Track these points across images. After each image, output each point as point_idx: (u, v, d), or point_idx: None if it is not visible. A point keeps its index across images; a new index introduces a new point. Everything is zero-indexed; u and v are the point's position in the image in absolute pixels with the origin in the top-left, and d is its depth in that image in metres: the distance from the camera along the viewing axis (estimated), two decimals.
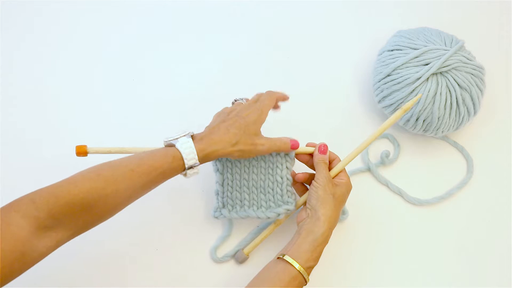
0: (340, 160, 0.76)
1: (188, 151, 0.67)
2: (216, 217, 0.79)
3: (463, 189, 0.87)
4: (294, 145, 0.75)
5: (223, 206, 0.79)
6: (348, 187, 0.75)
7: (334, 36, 1.00)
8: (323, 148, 0.75)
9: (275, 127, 0.85)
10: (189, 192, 0.85)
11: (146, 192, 0.68)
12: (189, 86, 0.94)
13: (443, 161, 0.90)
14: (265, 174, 0.77)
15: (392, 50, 0.88)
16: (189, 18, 1.01)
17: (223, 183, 0.78)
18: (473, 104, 0.84)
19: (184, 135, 0.69)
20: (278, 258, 0.69)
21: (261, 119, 0.74)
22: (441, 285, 0.81)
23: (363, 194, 0.86)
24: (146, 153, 0.67)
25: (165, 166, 0.66)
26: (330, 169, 0.76)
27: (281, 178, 0.77)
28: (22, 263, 0.56)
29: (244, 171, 0.77)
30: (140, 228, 0.82)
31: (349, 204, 0.84)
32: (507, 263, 0.82)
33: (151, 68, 0.96)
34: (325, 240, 0.69)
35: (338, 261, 0.82)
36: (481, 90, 0.85)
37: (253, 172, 0.77)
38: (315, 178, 0.73)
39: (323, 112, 0.92)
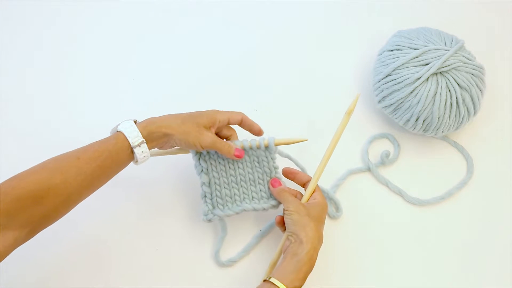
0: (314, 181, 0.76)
1: (130, 130, 0.68)
2: (209, 220, 0.77)
3: (463, 189, 0.87)
4: (238, 155, 0.75)
5: (214, 207, 0.78)
6: (323, 206, 0.74)
7: (334, 36, 1.00)
8: (275, 183, 0.76)
9: (275, 127, 0.85)
10: (189, 192, 0.85)
11: (101, 181, 0.68)
12: (190, 86, 0.94)
13: (443, 161, 0.90)
14: (251, 168, 0.78)
15: (392, 50, 0.88)
16: (189, 18, 1.01)
17: (209, 183, 0.77)
18: (473, 104, 0.84)
19: (125, 120, 0.70)
20: (264, 280, 0.67)
21: (214, 117, 0.73)
22: (441, 285, 0.81)
23: (363, 194, 0.86)
24: (93, 142, 0.68)
25: (110, 148, 0.67)
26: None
27: (269, 169, 0.77)
28: None
29: (230, 167, 0.77)
30: (140, 228, 0.82)
31: (349, 204, 0.85)
32: (507, 263, 0.82)
33: (152, 68, 0.96)
34: (310, 260, 0.68)
35: (338, 261, 0.82)
36: (481, 90, 0.85)
37: (238, 167, 0.77)
38: (284, 207, 0.73)
39: (323, 112, 0.92)
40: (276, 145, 0.77)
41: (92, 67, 0.96)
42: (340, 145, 0.89)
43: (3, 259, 0.60)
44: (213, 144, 0.73)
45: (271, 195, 0.78)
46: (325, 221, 0.77)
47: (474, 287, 0.80)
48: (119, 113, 0.90)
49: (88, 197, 0.68)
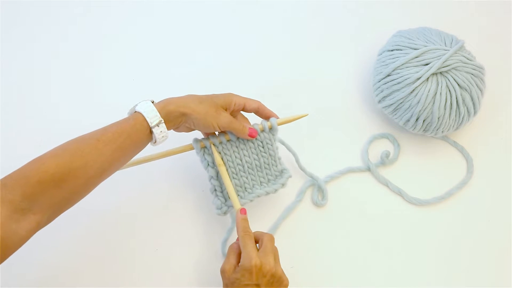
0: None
1: (149, 110, 0.68)
2: (225, 213, 0.77)
3: (463, 189, 0.87)
4: (251, 134, 0.76)
5: (226, 200, 0.77)
6: (242, 269, 0.68)
7: (334, 36, 1.00)
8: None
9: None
10: (189, 192, 0.85)
11: (121, 162, 0.68)
12: (190, 85, 0.94)
13: (443, 161, 0.90)
14: (257, 153, 0.77)
15: (392, 50, 0.88)
16: (190, 18, 1.01)
17: (217, 176, 0.77)
18: (473, 104, 0.84)
19: (143, 100, 0.70)
20: None
21: (230, 99, 0.74)
22: (441, 284, 0.81)
23: (363, 194, 0.86)
24: (111, 123, 0.68)
25: (129, 130, 0.66)
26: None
27: (273, 151, 0.78)
28: (4, 248, 0.57)
29: (236, 156, 0.77)
30: (140, 228, 0.82)
31: (349, 204, 0.85)
32: (507, 263, 0.82)
33: (152, 68, 0.96)
34: None
35: (338, 261, 0.82)
36: (481, 90, 0.85)
37: (244, 155, 0.77)
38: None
39: (323, 112, 0.92)
40: (279, 125, 0.77)
41: (92, 67, 0.96)
42: (340, 145, 0.90)
43: (24, 243, 0.60)
44: (230, 124, 0.73)
45: (277, 176, 0.78)
46: (321, 218, 0.80)
47: (473, 287, 0.80)
48: (119, 113, 0.90)
49: (87, 197, 0.68)
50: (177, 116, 0.70)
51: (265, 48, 0.99)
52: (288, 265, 0.78)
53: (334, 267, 0.81)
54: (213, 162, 0.76)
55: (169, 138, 0.71)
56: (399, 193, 0.86)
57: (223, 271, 0.70)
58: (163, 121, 0.68)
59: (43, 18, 1.00)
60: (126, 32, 0.99)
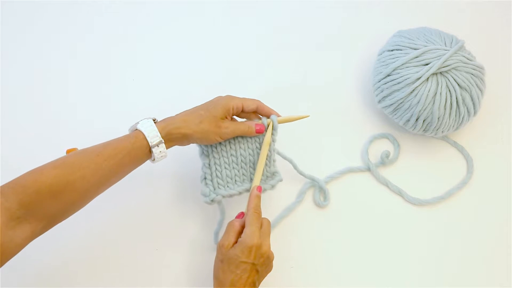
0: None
1: (150, 129, 0.69)
2: (212, 200, 0.76)
3: (463, 189, 0.87)
4: (259, 130, 0.76)
5: (215, 188, 0.77)
6: (243, 246, 0.67)
7: (334, 36, 1.00)
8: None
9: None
10: (189, 192, 0.85)
11: (118, 177, 0.69)
12: (190, 85, 0.94)
13: (443, 161, 0.90)
14: (253, 149, 0.78)
15: (392, 50, 0.88)
16: (189, 18, 1.01)
17: (209, 164, 0.77)
18: (473, 104, 0.84)
19: (144, 118, 0.71)
20: None
21: (228, 105, 0.74)
22: (441, 285, 0.81)
23: (363, 194, 0.86)
24: (112, 139, 0.68)
25: (129, 147, 0.67)
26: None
27: (270, 152, 0.77)
28: (1, 254, 0.58)
29: (231, 147, 0.77)
30: (140, 228, 0.82)
31: (349, 204, 0.85)
32: (507, 263, 0.82)
33: (152, 68, 0.96)
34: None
35: (338, 261, 0.82)
36: (481, 90, 0.85)
37: (240, 148, 0.77)
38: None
39: (323, 112, 0.92)
40: (279, 123, 0.77)
41: (91, 67, 0.96)
42: (340, 145, 0.90)
43: (19, 251, 0.61)
44: (234, 132, 0.74)
45: (268, 177, 0.78)
46: (321, 219, 0.80)
47: (474, 287, 0.80)
48: (119, 113, 0.90)
49: None
50: (178, 138, 0.71)
51: (265, 49, 0.99)
52: (288, 265, 0.78)
53: (334, 267, 0.81)
54: (208, 151, 0.76)
55: None
56: (399, 193, 0.86)
57: (221, 246, 0.69)
58: (163, 141, 0.69)
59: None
60: (125, 32, 0.99)
